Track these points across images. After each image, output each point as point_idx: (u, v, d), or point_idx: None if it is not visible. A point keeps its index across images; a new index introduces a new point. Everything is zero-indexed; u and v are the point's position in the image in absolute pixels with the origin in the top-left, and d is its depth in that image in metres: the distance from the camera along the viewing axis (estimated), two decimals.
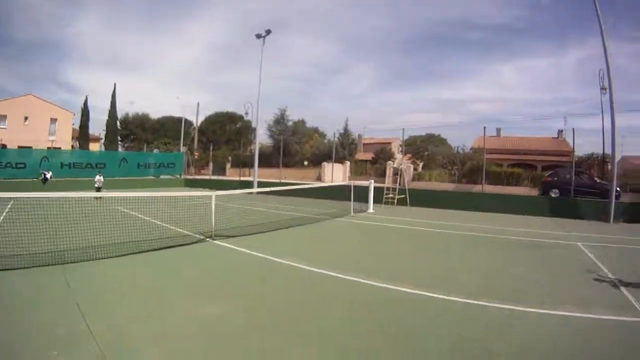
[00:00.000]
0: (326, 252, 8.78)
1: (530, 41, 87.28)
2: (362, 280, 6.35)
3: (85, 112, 44.11)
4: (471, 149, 35.87)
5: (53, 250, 7.21)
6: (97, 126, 54.40)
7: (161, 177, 31.71)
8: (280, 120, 43.14)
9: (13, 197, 10.62)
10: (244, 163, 33.46)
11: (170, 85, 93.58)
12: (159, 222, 10.81)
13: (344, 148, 37.74)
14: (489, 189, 23.54)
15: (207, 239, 9.13)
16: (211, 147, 37.05)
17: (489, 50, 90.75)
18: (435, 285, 6.25)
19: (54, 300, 4.96)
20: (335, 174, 28.71)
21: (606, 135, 23.93)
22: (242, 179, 28.96)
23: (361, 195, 17.38)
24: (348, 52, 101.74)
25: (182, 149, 40.83)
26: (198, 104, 45.97)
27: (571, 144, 22.28)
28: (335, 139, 31.58)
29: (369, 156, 39.39)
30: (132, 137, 54.38)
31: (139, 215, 11.39)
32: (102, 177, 22.08)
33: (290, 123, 44.37)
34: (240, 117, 51.53)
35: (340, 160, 33.45)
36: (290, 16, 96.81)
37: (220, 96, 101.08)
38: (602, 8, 17.24)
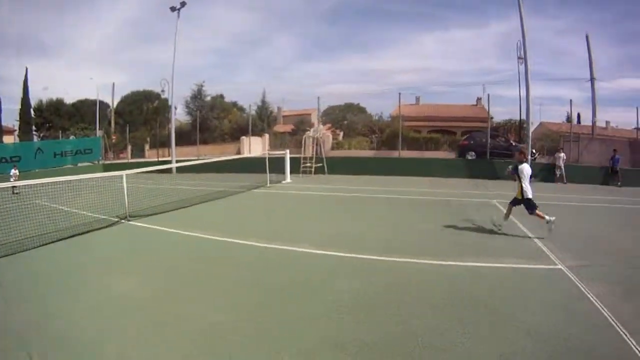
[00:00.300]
0: (236, 223, 9.41)
1: (453, 13, 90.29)
2: (263, 245, 6.92)
3: None
4: (390, 116, 37.02)
5: None
6: (11, 117, 50.50)
7: (79, 164, 30.26)
8: (197, 96, 42.35)
9: None
10: (162, 143, 32.70)
11: (84, 67, 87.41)
12: (76, 210, 10.66)
13: (262, 121, 37.68)
14: (408, 154, 24.90)
15: (122, 221, 9.39)
16: (128, 129, 35.75)
17: (411, 21, 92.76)
18: (337, 244, 6.81)
19: None
20: (254, 147, 28.94)
21: (523, 102, 26.09)
22: (160, 159, 28.55)
23: (279, 166, 17.98)
24: (268, 23, 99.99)
25: (99, 133, 39.31)
26: (113, 84, 43.97)
27: (487, 110, 23.90)
28: (253, 112, 31.64)
29: (288, 128, 39.54)
30: (47, 125, 51.16)
31: (55, 206, 11.20)
32: (17, 170, 20.98)
33: (208, 98, 43.32)
34: (158, 96, 49.35)
35: (259, 133, 33.59)
36: None
37: (136, 75, 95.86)
38: None
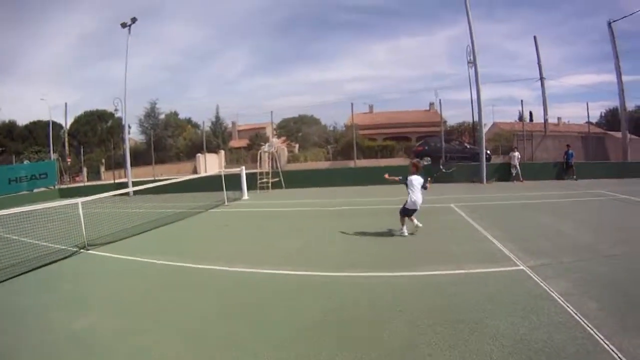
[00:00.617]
0: (196, 246, 9.63)
1: (402, 21, 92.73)
2: (225, 268, 7.07)
3: None
4: (344, 126, 37.73)
5: None
6: None
7: (35, 190, 29.46)
8: (150, 114, 41.93)
9: None
10: (118, 164, 32.17)
11: (35, 86, 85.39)
12: (32, 241, 10.62)
13: (217, 137, 37.83)
14: (364, 163, 25.62)
15: (81, 250, 9.50)
16: (82, 151, 35.06)
17: (361, 31, 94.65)
18: (299, 262, 7.04)
19: None
20: (210, 165, 29.15)
21: (475, 105, 27.22)
22: (117, 181, 28.25)
23: (236, 183, 18.24)
24: (219, 38, 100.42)
25: (53, 156, 38.45)
26: (66, 105, 42.88)
27: (440, 114, 24.78)
28: (207, 128, 31.73)
29: (244, 143, 39.85)
30: (0, 149, 49.55)
31: (10, 236, 11.06)
32: None
33: (162, 116, 43.18)
34: (111, 115, 48.65)
35: (214, 150, 33.68)
36: (159, 2, 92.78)
37: (89, 93, 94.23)
38: None
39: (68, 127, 47.07)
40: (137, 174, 28.46)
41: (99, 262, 8.65)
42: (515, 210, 11.83)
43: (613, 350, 3.43)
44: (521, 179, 19.78)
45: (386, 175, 9.53)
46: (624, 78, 23.21)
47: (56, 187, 30.89)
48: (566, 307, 4.40)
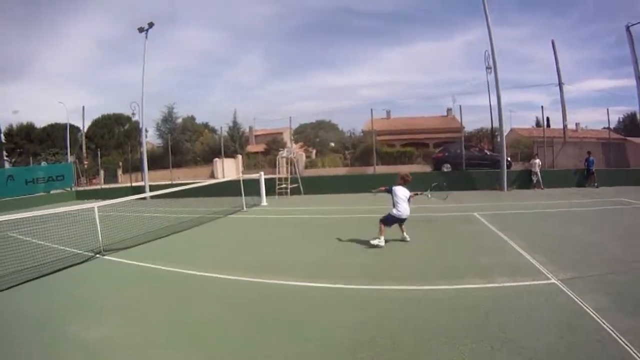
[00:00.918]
0: (215, 254, 9.17)
1: (416, 27, 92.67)
2: (247, 279, 6.61)
3: None
4: (362, 132, 37.39)
5: None
6: None
7: (52, 192, 29.63)
8: (168, 118, 42.02)
9: None
10: (135, 167, 32.07)
11: (53, 90, 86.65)
12: (48, 244, 10.46)
13: (234, 142, 37.65)
14: (382, 169, 25.15)
15: (97, 255, 9.19)
16: (99, 154, 35.15)
17: (376, 37, 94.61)
18: (323, 274, 6.60)
19: None
20: (228, 170, 28.93)
21: (494, 110, 26.68)
22: (134, 184, 28.11)
23: (254, 188, 17.91)
24: (236, 43, 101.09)
25: (70, 158, 38.63)
26: (84, 108, 43.58)
27: (460, 121, 24.29)
28: (225, 132, 31.55)
29: (261, 148, 39.81)
30: (19, 150, 50.13)
31: (27, 239, 10.94)
32: None
33: (179, 120, 43.40)
34: (128, 119, 49.22)
35: (232, 154, 33.52)
36: (176, 7, 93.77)
37: (107, 97, 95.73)
38: None
39: (86, 130, 47.59)
40: (154, 177, 28.42)
41: (115, 268, 8.28)
42: (539, 219, 11.41)
43: None
44: (542, 187, 19.28)
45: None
46: None
47: (73, 189, 31.01)
48: (603, 325, 4.10)
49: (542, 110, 25.18)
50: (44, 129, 52.98)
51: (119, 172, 37.84)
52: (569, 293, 5.09)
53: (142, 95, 26.54)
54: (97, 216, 9.76)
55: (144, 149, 27.74)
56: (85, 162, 39.86)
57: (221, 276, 6.99)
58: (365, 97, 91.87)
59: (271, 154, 31.52)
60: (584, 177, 19.86)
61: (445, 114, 45.04)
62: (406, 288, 5.74)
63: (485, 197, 16.66)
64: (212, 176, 30.35)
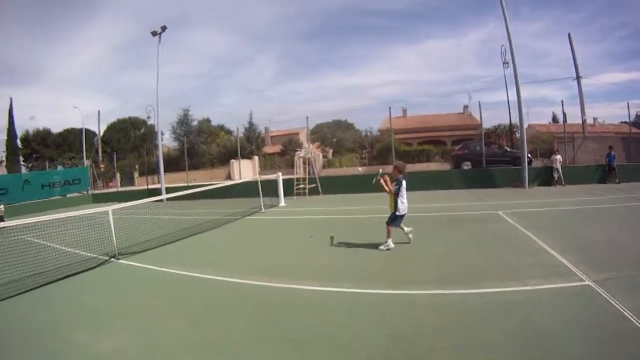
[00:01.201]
0: (234, 257, 8.69)
1: (429, 25, 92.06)
2: (268, 284, 6.20)
3: None
4: (379, 130, 37.02)
5: None
6: None
7: (68, 195, 29.75)
8: (183, 121, 42.12)
9: None
10: (151, 170, 32.03)
11: (69, 95, 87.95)
12: (63, 247, 10.27)
13: (250, 143, 37.51)
14: None
15: (112, 259, 8.87)
16: (115, 157, 35.17)
17: (389, 35, 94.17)
18: (348, 277, 6.21)
19: None
20: (244, 171, 28.62)
21: (512, 106, 26.15)
22: (150, 187, 27.99)
23: (272, 189, 17.52)
24: (248, 45, 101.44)
25: (86, 162, 38.82)
26: (99, 112, 43.92)
27: (477, 118, 23.75)
28: (240, 134, 31.32)
29: (277, 149, 39.78)
30: (35, 155, 50.68)
31: (44, 243, 10.77)
32: (2, 206, 20.17)
33: (195, 123, 43.44)
34: (144, 122, 49.49)
35: (248, 156, 33.37)
36: (188, 10, 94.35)
37: (122, 101, 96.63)
38: None
39: (102, 134, 47.84)
40: (171, 179, 28.38)
41: (130, 273, 7.91)
42: (564, 217, 10.97)
43: None
44: (563, 183, 18.75)
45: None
46: None
47: (89, 192, 31.08)
48: None
49: (562, 105, 24.59)
50: (60, 134, 53.61)
51: (135, 174, 37.93)
52: (605, 295, 4.81)
53: (157, 98, 26.60)
54: (111, 219, 9.44)
55: (160, 152, 27.66)
56: (102, 166, 40.04)
57: (241, 281, 6.56)
58: (380, 96, 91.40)
59: (288, 154, 31.26)
60: (605, 173, 19.26)
61: (462, 111, 44.49)
62: (436, 292, 5.39)
63: (507, 195, 16.22)
64: (229, 177, 30.21)
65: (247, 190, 17.87)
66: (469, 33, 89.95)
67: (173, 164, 33.05)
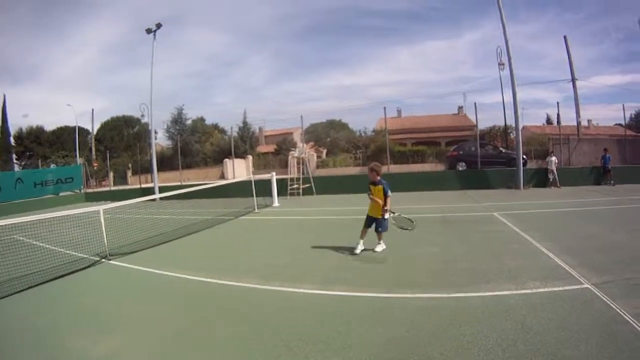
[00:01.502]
0: (227, 258, 8.53)
1: (426, 26, 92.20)
2: (262, 287, 6.10)
3: None
4: (373, 131, 37.02)
5: None
6: None
7: (60, 194, 29.48)
8: (177, 119, 41.95)
9: None
10: (145, 169, 31.87)
11: (63, 93, 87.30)
12: (53, 247, 10.09)
13: (244, 142, 37.50)
14: (395, 168, 24.74)
15: (103, 260, 8.72)
16: (108, 156, 34.78)
17: (385, 36, 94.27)
18: (343, 280, 6.10)
19: None
20: (238, 170, 28.50)
21: (507, 107, 26.24)
22: (143, 186, 27.81)
23: (266, 189, 17.40)
24: (243, 44, 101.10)
25: (80, 160, 38.54)
26: (93, 111, 43.79)
27: (471, 119, 23.76)
28: (235, 133, 31.20)
29: (271, 148, 39.68)
30: (28, 153, 50.26)
31: (33, 242, 10.60)
32: None
33: (189, 122, 43.51)
34: (138, 121, 49.19)
35: (242, 155, 33.27)
36: (183, 9, 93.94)
37: (116, 100, 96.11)
38: None
39: (95, 132, 47.50)
40: (164, 178, 28.22)
41: (122, 274, 7.76)
42: (560, 219, 11.00)
43: None
44: (558, 185, 18.93)
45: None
46: None
47: (82, 191, 30.83)
48: None
49: (558, 107, 24.66)
50: (54, 132, 53.21)
51: (129, 173, 37.70)
52: (603, 298, 4.81)
53: (151, 97, 26.63)
54: (102, 219, 9.28)
55: (153, 151, 27.53)
56: (95, 164, 39.75)
57: (234, 283, 6.45)
58: (375, 96, 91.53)
59: (282, 154, 31.18)
60: (600, 175, 19.37)
61: (456, 112, 44.63)
62: (432, 296, 5.30)
63: (502, 196, 16.25)
64: (222, 177, 30.12)
65: (240, 190, 17.73)
66: (465, 34, 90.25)
67: (167, 163, 32.91)
